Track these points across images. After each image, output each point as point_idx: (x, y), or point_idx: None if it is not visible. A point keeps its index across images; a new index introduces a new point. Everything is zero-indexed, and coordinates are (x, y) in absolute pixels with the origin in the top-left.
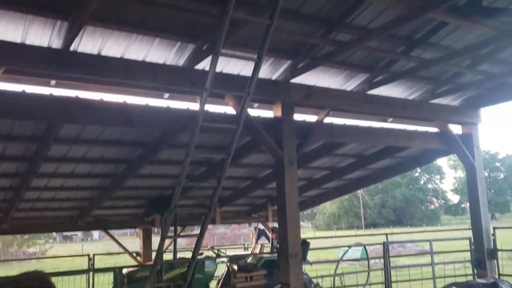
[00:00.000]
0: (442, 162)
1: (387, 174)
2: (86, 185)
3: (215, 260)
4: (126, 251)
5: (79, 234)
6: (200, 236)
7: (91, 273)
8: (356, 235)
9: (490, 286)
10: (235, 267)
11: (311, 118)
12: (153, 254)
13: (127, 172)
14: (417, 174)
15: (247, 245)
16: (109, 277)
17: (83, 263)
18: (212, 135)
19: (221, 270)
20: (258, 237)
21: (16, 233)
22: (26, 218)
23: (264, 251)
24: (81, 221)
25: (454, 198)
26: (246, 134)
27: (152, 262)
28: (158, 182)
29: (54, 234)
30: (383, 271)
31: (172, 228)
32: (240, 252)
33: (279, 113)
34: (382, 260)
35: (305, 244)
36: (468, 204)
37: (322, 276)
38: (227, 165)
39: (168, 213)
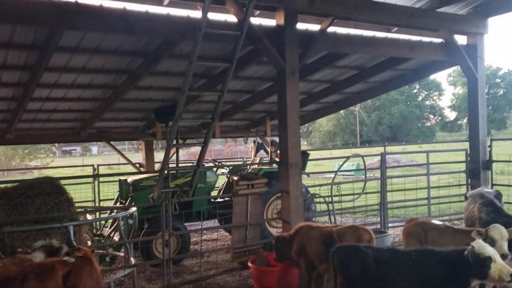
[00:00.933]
0: (442, 78)
1: (387, 87)
2: (87, 96)
3: (216, 171)
4: (129, 161)
5: (78, 149)
6: (204, 145)
7: (96, 182)
8: (351, 153)
9: (495, 194)
10: (236, 177)
11: (314, 27)
12: (155, 166)
13: (127, 83)
14: (415, 91)
15: (245, 159)
16: (113, 187)
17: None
18: (213, 45)
19: (221, 182)
20: (257, 151)
21: (20, 143)
22: (29, 129)
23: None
24: (84, 132)
25: (451, 115)
26: (248, 43)
27: (156, 172)
28: (158, 94)
29: (54, 149)
30: (379, 181)
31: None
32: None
33: (281, 21)
34: (376, 174)
35: (304, 155)
36: (464, 121)
37: (320, 185)
38: (230, 74)
39: (174, 122)
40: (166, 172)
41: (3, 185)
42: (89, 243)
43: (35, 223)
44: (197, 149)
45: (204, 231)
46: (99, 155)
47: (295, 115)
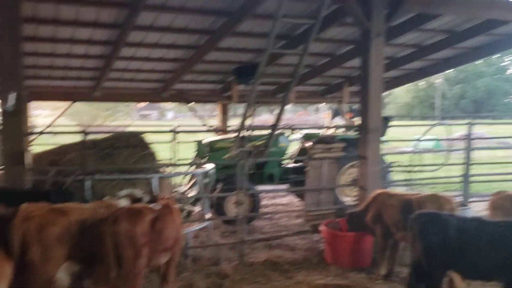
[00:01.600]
0: None
1: (479, 54)
2: (170, 57)
3: (288, 137)
4: (205, 124)
5: (155, 113)
6: (283, 105)
7: (174, 142)
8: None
9: None
10: (309, 143)
11: None
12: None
13: (209, 43)
14: (504, 64)
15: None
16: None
17: (163, 137)
18: (297, 4)
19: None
20: (333, 117)
21: (106, 101)
22: (115, 88)
23: (339, 130)
24: (165, 93)
25: None
26: (332, 2)
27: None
28: (237, 56)
29: (133, 112)
30: (464, 153)
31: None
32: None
33: None
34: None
35: (386, 120)
36: None
37: (399, 153)
38: (314, 31)
39: (255, 81)
40: (243, 132)
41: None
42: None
43: (122, 173)
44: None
45: (274, 195)
46: (175, 120)
47: (378, 78)
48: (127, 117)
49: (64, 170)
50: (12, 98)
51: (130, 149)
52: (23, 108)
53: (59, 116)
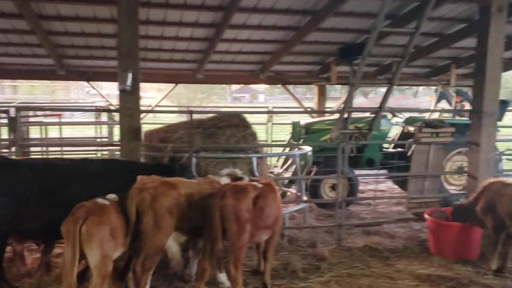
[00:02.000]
0: None
1: None
2: (270, 38)
3: (390, 120)
4: (301, 105)
5: (247, 96)
6: (391, 85)
7: (270, 124)
8: None
9: None
10: (411, 128)
11: None
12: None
13: (310, 24)
14: None
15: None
16: (284, 131)
17: (258, 119)
18: None
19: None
20: (438, 101)
21: (208, 83)
22: (215, 70)
23: (444, 115)
24: (263, 75)
25: None
26: None
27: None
28: (338, 36)
29: (226, 94)
30: None
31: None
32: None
33: None
34: None
35: (504, 104)
36: None
37: None
38: (429, 8)
39: (361, 60)
40: (346, 113)
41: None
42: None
43: (225, 151)
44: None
45: (371, 180)
46: (266, 103)
47: (497, 58)
48: (221, 100)
49: (175, 147)
50: (129, 77)
51: (233, 128)
52: (137, 88)
53: (164, 97)
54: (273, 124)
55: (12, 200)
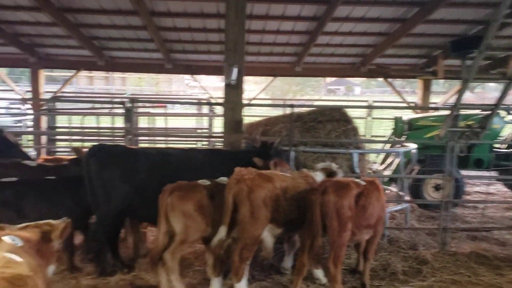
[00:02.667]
0: None
1: None
2: (374, 31)
3: (504, 118)
4: (404, 100)
5: (342, 88)
6: (510, 81)
7: (369, 118)
8: None
9: None
10: None
11: None
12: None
13: (418, 15)
14: None
15: None
16: (384, 126)
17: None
18: None
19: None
20: None
21: (307, 76)
22: (314, 63)
23: None
24: (363, 68)
25: None
26: None
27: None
28: (448, 28)
29: (321, 87)
30: None
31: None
32: None
33: None
34: None
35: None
36: None
37: None
38: None
39: (478, 54)
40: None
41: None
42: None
43: (324, 146)
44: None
45: (478, 182)
46: (362, 96)
47: None
48: (315, 92)
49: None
50: (234, 72)
51: (333, 123)
52: (241, 82)
53: (262, 90)
54: (372, 118)
55: (131, 187)
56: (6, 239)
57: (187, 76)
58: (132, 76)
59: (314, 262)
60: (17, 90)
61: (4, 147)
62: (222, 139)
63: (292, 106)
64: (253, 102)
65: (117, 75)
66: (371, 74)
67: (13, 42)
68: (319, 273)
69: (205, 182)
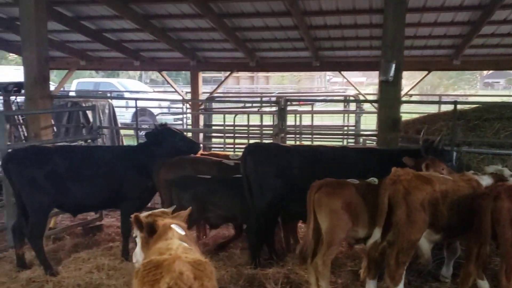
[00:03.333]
0: None
1: None
2: None
3: None
4: None
5: (502, 81)
6: None
7: None
8: None
9: None
10: None
11: None
12: None
13: None
14: None
15: None
16: None
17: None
18: None
19: None
20: None
21: (465, 69)
22: (476, 55)
23: None
24: None
25: None
26: None
27: None
28: None
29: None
30: None
31: None
32: None
33: None
34: None
35: None
36: None
37: None
38: None
39: None
40: None
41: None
42: None
43: (491, 147)
44: None
45: None
46: None
47: None
48: (470, 86)
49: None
50: (392, 68)
51: (503, 121)
52: (399, 78)
53: (414, 86)
54: None
55: (284, 183)
56: (175, 227)
57: (328, 73)
58: (275, 75)
59: (480, 272)
60: (179, 92)
61: (168, 137)
62: (372, 137)
63: (455, 103)
64: (404, 98)
65: (262, 74)
66: None
67: (177, 48)
68: (484, 284)
69: (354, 181)
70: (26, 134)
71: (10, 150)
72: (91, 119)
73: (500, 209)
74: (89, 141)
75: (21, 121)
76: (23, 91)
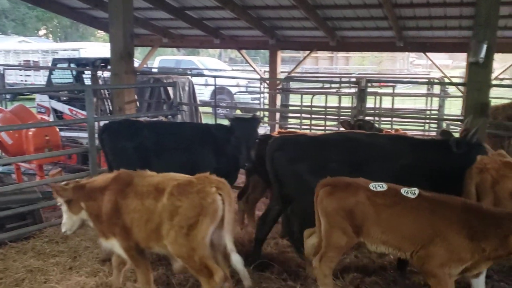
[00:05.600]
0: None
1: None
2: None
3: None
4: None
5: None
6: None
7: None
8: None
9: None
10: None
11: None
12: None
13: None
14: None
15: None
16: None
17: None
18: None
19: None
20: None
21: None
22: None
23: None
24: None
25: None
26: None
27: None
28: None
29: None
30: None
31: None
32: None
33: None
34: None
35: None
36: None
37: None
38: None
39: None
40: None
41: None
42: None
43: None
44: None
45: None
46: None
47: None
48: None
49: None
50: (483, 49)
51: None
52: (490, 60)
53: (506, 69)
54: None
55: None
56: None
57: (412, 54)
58: (355, 56)
59: None
60: (258, 71)
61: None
62: (457, 122)
63: None
64: (495, 82)
65: (341, 54)
66: None
67: (257, 26)
68: None
69: (380, 186)
70: (111, 108)
71: (105, 122)
72: (171, 96)
73: None
74: (169, 116)
75: (107, 95)
76: (109, 67)
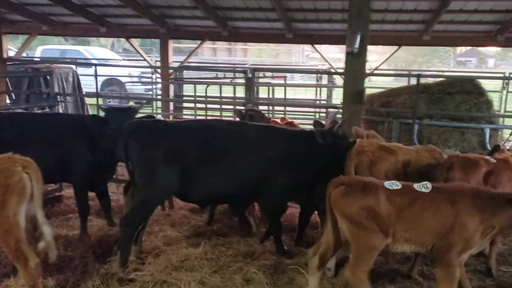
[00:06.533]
0: None
1: None
2: None
3: None
4: None
5: (473, 60)
6: None
7: (504, 92)
8: None
9: None
10: None
11: None
12: None
13: None
14: None
15: None
16: None
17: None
18: None
19: None
20: None
21: (435, 45)
22: (444, 31)
23: None
24: (501, 36)
25: None
26: None
27: None
28: None
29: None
30: None
31: None
32: None
33: None
34: None
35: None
36: None
37: None
38: None
39: None
40: None
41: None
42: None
43: (452, 120)
44: None
45: None
46: (496, 68)
47: None
48: (443, 64)
49: (394, 112)
50: (357, 39)
51: (464, 95)
52: (364, 50)
53: (385, 60)
54: (508, 92)
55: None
56: None
57: (307, 47)
58: (253, 48)
59: None
60: (148, 60)
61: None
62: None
63: (419, 76)
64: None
65: (239, 46)
66: (510, 43)
67: (145, 14)
68: None
69: (394, 184)
70: None
71: None
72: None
73: (452, 179)
74: (46, 108)
75: None
76: None
